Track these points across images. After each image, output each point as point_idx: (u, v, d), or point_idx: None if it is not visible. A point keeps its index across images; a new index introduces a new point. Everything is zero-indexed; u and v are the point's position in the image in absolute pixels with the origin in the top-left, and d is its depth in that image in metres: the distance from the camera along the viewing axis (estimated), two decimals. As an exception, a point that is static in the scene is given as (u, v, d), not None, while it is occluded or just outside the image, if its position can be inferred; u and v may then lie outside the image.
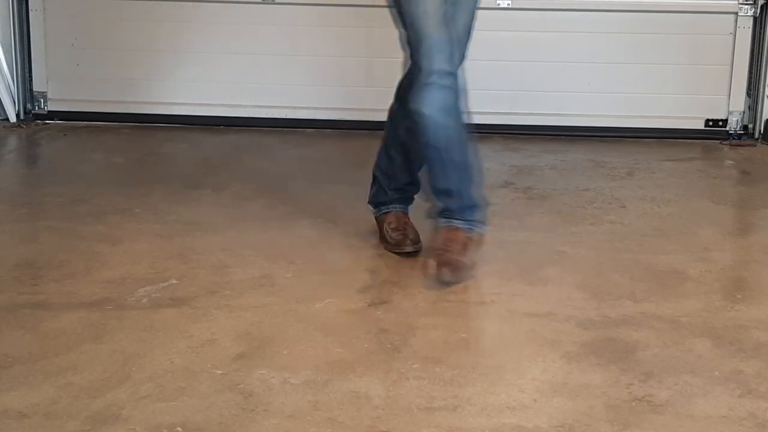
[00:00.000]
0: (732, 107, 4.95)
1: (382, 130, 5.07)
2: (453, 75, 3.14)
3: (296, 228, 3.64)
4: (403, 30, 3.20)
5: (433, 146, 3.16)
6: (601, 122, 4.96)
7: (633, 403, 2.46)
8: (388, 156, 3.48)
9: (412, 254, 3.34)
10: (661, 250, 3.48)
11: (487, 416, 2.39)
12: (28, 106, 5.16)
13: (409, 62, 3.20)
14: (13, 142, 4.92)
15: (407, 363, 2.64)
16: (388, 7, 3.23)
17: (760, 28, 4.87)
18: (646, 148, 4.83)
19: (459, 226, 3.20)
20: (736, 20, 4.86)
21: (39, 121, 5.14)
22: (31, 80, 5.15)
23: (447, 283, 3.11)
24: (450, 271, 3.11)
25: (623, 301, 3.05)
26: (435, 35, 3.09)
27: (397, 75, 4.93)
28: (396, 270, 3.27)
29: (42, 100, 5.15)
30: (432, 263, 3.16)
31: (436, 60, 3.09)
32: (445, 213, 3.23)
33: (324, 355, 2.68)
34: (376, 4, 4.94)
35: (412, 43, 3.14)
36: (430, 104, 3.10)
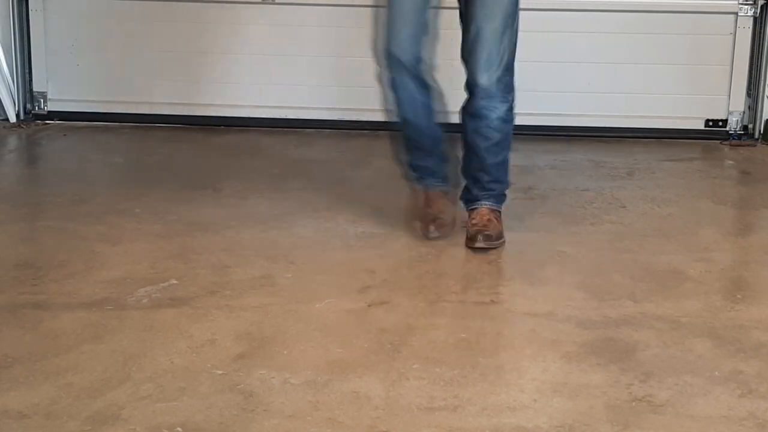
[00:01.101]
0: (732, 107, 4.95)
1: (382, 130, 5.08)
2: None
3: (296, 228, 3.64)
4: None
5: None
6: (601, 122, 4.96)
7: (633, 403, 2.46)
8: None
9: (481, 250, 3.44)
10: (661, 250, 3.48)
11: (487, 416, 2.39)
12: (28, 106, 5.16)
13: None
14: (13, 142, 4.92)
15: (407, 363, 2.64)
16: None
17: (760, 28, 4.87)
18: (646, 148, 4.83)
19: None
20: (736, 20, 4.86)
21: (39, 121, 5.14)
22: (31, 80, 5.15)
23: (434, 238, 3.47)
24: (435, 227, 3.48)
25: (623, 301, 3.04)
26: None
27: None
28: (396, 270, 3.27)
29: (42, 100, 5.15)
30: (418, 223, 3.53)
31: None
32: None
33: (324, 355, 2.68)
34: (375, 4, 4.94)
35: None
36: None
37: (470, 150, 3.51)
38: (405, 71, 3.39)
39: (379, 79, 3.49)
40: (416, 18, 3.39)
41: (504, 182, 3.56)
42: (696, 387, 2.53)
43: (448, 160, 3.59)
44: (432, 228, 3.46)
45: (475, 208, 3.49)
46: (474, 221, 3.46)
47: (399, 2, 3.39)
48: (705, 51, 4.91)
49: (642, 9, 4.89)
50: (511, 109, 3.47)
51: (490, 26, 3.32)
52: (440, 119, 3.52)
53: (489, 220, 3.45)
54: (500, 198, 3.55)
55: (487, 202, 3.50)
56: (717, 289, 3.20)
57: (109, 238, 3.51)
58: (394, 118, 3.49)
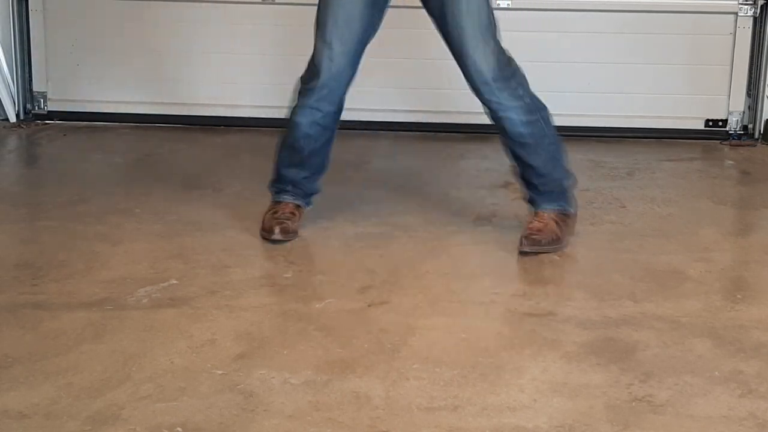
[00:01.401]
0: (732, 107, 4.94)
1: (381, 130, 5.08)
2: None
3: (296, 228, 3.64)
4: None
5: None
6: (601, 122, 4.96)
7: (633, 403, 2.46)
8: None
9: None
10: (661, 250, 3.48)
11: (487, 416, 2.39)
12: (28, 106, 5.16)
13: None
14: (13, 142, 4.91)
15: (407, 363, 2.64)
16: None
17: (760, 28, 4.86)
18: (646, 148, 4.83)
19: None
20: (736, 20, 4.85)
21: (39, 121, 5.13)
22: (31, 80, 5.14)
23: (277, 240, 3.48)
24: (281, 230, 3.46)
25: (623, 301, 3.05)
26: None
27: (397, 74, 4.94)
28: (396, 270, 3.27)
29: (42, 100, 5.15)
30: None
31: None
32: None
33: (324, 355, 2.68)
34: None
35: None
36: None
37: (511, 154, 3.41)
38: (324, 101, 3.41)
39: (296, 85, 3.50)
40: (358, 33, 3.33)
41: (558, 179, 3.44)
42: (696, 387, 2.54)
43: (321, 173, 3.59)
44: (277, 230, 3.43)
45: (535, 212, 3.45)
46: (529, 224, 3.42)
47: (339, 5, 3.29)
48: (705, 51, 4.91)
49: (642, 9, 4.89)
50: (529, 99, 3.33)
51: (469, 22, 3.21)
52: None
53: (545, 224, 3.39)
54: (560, 197, 3.44)
55: (545, 206, 3.43)
56: (717, 289, 3.20)
57: (109, 238, 3.51)
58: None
